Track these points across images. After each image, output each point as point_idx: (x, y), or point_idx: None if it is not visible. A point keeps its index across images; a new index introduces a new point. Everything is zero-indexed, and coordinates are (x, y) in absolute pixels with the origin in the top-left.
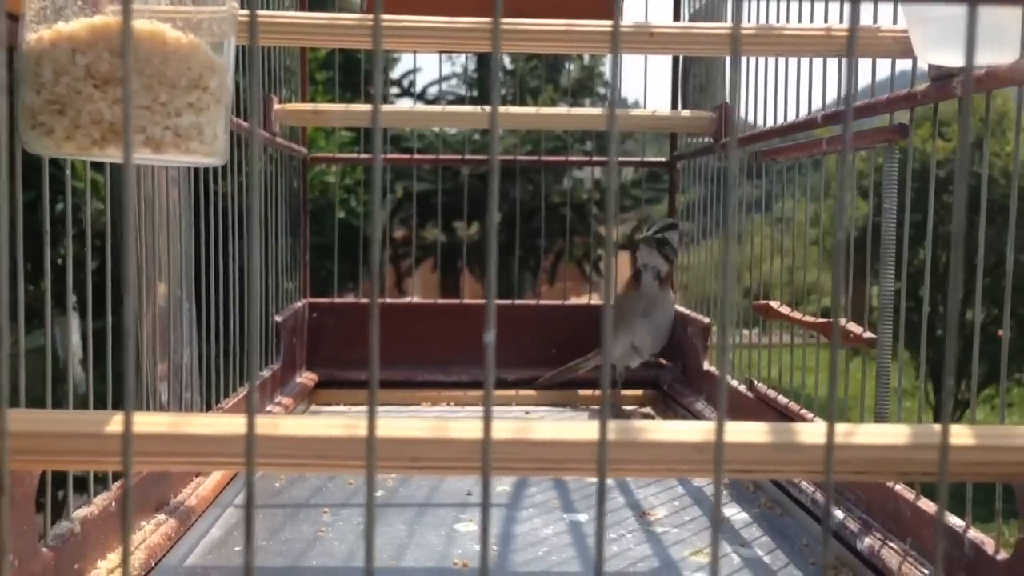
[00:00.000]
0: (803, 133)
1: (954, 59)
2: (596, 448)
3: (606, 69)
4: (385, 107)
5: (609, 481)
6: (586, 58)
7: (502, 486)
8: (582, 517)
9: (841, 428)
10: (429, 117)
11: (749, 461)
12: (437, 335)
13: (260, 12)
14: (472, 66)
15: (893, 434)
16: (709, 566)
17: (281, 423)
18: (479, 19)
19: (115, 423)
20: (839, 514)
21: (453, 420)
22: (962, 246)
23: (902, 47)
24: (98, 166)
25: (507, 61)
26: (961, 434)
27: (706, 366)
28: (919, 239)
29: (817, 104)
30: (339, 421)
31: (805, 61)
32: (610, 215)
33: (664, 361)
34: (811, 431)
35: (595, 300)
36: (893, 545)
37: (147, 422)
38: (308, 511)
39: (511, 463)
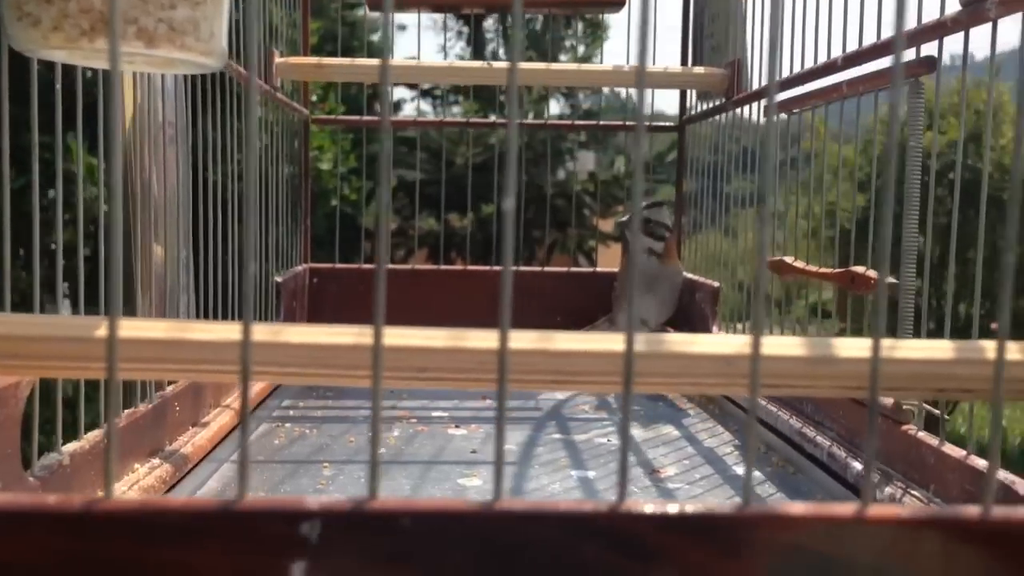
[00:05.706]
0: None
1: None
2: (619, 359)
3: (602, 60)
4: (391, 61)
5: (617, 440)
6: (580, 49)
7: (508, 444)
8: (591, 474)
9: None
10: (437, 72)
11: (784, 375)
12: (443, 302)
13: None
14: (467, 56)
15: (938, 348)
16: None
17: (284, 330)
18: None
19: (104, 327)
20: (856, 465)
21: (470, 331)
22: None
23: None
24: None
25: (501, 51)
26: (1013, 349)
27: (715, 331)
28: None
29: (836, 50)
30: (347, 329)
31: (820, 6)
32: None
33: (671, 330)
34: (851, 345)
35: (600, 268)
36: (916, 493)
37: (139, 326)
38: (308, 467)
39: (528, 375)
